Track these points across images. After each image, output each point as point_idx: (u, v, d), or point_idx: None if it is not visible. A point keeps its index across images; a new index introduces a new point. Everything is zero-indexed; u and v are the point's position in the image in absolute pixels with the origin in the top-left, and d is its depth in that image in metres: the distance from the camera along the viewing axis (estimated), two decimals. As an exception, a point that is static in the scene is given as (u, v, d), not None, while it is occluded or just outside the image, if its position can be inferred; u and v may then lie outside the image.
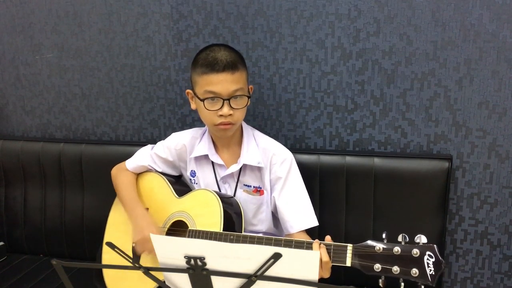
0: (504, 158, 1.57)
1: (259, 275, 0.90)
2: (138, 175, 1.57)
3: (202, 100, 1.36)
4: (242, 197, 1.46)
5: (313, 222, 1.43)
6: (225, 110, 1.35)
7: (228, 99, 1.35)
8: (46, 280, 1.73)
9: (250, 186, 1.46)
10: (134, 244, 1.42)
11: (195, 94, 1.41)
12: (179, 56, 1.78)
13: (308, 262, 0.88)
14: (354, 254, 1.10)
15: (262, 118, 1.75)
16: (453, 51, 1.54)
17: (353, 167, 1.58)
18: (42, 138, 1.99)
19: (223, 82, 1.33)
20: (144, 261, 1.43)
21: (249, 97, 1.40)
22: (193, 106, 1.45)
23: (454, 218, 1.64)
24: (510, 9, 1.47)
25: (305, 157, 1.61)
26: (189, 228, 1.36)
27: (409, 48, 1.57)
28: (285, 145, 1.52)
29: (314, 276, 0.89)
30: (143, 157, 1.56)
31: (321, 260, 1.11)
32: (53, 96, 1.96)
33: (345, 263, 1.11)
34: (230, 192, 1.48)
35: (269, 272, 0.90)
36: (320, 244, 1.15)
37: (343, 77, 1.64)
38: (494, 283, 1.66)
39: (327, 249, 1.13)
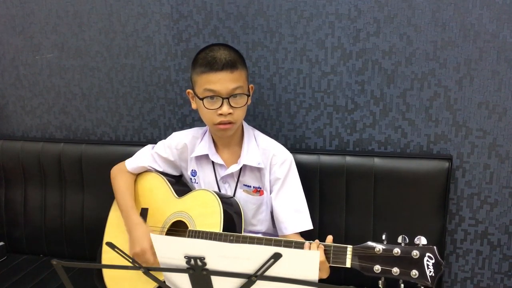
0: (504, 158, 1.57)
1: (259, 275, 0.90)
2: (137, 175, 1.57)
3: (202, 99, 1.36)
4: (242, 197, 1.46)
5: (308, 225, 1.43)
6: (225, 108, 1.35)
7: (228, 98, 1.35)
8: (46, 280, 1.73)
9: (250, 186, 1.46)
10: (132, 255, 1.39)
11: (195, 93, 1.41)
12: (179, 56, 1.78)
13: (308, 262, 0.88)
14: (354, 255, 1.10)
15: (262, 118, 1.75)
16: (453, 51, 1.54)
17: (353, 167, 1.58)
18: (42, 138, 1.99)
19: (222, 81, 1.33)
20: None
21: (248, 96, 1.40)
22: (193, 106, 1.46)
23: (454, 218, 1.64)
24: (510, 9, 1.47)
25: (305, 157, 1.61)
26: (189, 228, 1.36)
27: (409, 48, 1.57)
28: (285, 145, 1.52)
29: (314, 276, 0.89)
30: (143, 157, 1.56)
31: None
32: (53, 96, 1.96)
33: (345, 264, 1.11)
34: (230, 192, 1.48)
35: (269, 272, 0.90)
36: (319, 245, 1.15)
37: (343, 77, 1.64)
38: (494, 283, 1.66)
39: (326, 250, 1.13)
